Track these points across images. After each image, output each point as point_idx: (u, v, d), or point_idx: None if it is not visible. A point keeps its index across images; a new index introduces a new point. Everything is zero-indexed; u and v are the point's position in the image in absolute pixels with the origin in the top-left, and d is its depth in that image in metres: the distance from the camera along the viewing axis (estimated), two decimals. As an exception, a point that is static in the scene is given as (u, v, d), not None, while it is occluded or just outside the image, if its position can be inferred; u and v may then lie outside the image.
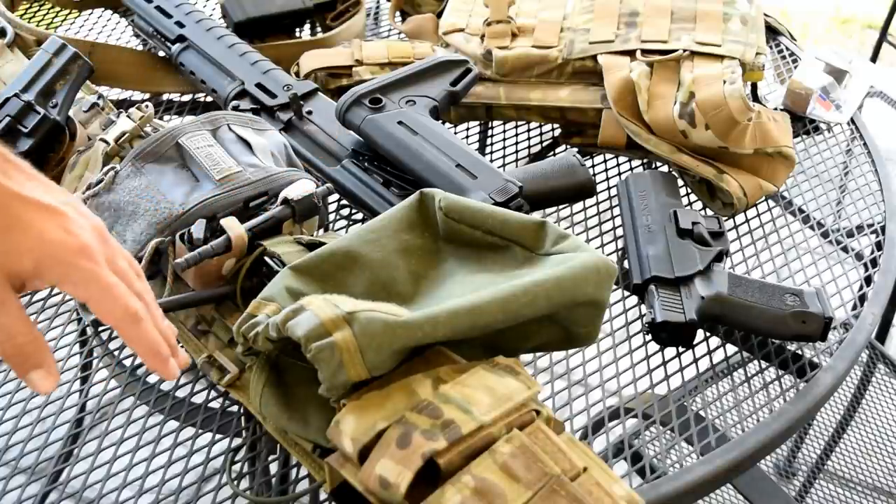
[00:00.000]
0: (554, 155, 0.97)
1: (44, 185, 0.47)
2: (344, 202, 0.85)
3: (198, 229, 0.61)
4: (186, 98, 1.01)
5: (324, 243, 0.60)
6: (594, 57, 0.91)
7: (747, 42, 0.91)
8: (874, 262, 0.84)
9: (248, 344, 0.55)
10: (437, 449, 0.44)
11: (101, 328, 0.70)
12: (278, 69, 0.89)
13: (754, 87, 1.06)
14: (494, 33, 0.95)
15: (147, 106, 0.73)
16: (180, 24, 0.93)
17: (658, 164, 0.93)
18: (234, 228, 0.61)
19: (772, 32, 1.14)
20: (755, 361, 0.73)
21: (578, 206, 0.87)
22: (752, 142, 0.84)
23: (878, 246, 0.86)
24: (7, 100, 0.73)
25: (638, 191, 0.82)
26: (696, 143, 0.85)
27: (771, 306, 0.71)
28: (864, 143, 1.00)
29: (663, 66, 0.88)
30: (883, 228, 0.88)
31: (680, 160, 0.86)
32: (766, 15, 1.08)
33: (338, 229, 0.84)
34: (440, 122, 0.82)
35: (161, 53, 0.96)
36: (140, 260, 0.63)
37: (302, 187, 0.65)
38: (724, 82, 0.84)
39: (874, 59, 2.09)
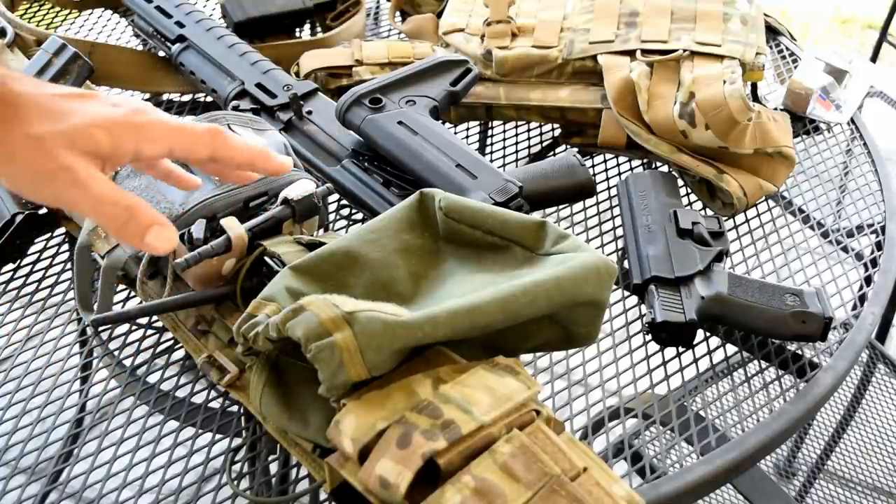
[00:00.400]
0: (554, 155, 0.97)
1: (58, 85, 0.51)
2: (344, 202, 0.85)
3: (198, 229, 0.61)
4: (186, 98, 1.01)
5: (324, 243, 0.60)
6: (594, 57, 0.91)
7: (747, 42, 0.91)
8: (874, 262, 0.84)
9: (248, 344, 0.55)
10: (437, 449, 0.44)
11: (101, 328, 0.70)
12: (278, 69, 0.89)
13: (754, 87, 1.06)
14: (494, 33, 0.95)
15: (147, 106, 0.73)
16: (180, 24, 0.93)
17: (658, 164, 0.93)
18: (234, 228, 0.61)
19: (772, 32, 1.14)
20: (755, 361, 0.73)
21: (578, 206, 0.87)
22: (752, 142, 0.84)
23: (878, 246, 0.86)
24: (7, 100, 0.73)
25: (638, 191, 0.82)
26: (696, 143, 0.85)
27: (771, 306, 0.71)
28: (864, 143, 1.00)
29: (663, 66, 0.88)
30: (883, 228, 0.88)
31: (680, 160, 0.86)
32: (766, 15, 1.08)
33: (338, 229, 0.84)
34: (440, 122, 0.82)
35: (161, 53, 0.96)
36: (140, 260, 0.63)
37: (302, 187, 0.65)
38: (724, 82, 0.84)
39: (874, 59, 2.09)
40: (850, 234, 0.88)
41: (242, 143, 0.54)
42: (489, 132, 1.03)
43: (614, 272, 0.56)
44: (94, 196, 0.48)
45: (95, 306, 0.67)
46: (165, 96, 1.01)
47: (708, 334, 0.74)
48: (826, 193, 0.93)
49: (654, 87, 0.87)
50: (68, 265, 0.77)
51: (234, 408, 0.64)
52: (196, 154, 0.52)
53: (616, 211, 0.88)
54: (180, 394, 0.67)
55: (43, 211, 0.77)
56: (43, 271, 0.77)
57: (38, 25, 1.12)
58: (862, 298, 0.80)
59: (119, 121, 0.48)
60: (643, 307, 0.75)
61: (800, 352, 0.73)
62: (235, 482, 0.57)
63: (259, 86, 0.87)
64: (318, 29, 1.13)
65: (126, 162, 0.50)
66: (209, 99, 0.98)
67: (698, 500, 0.67)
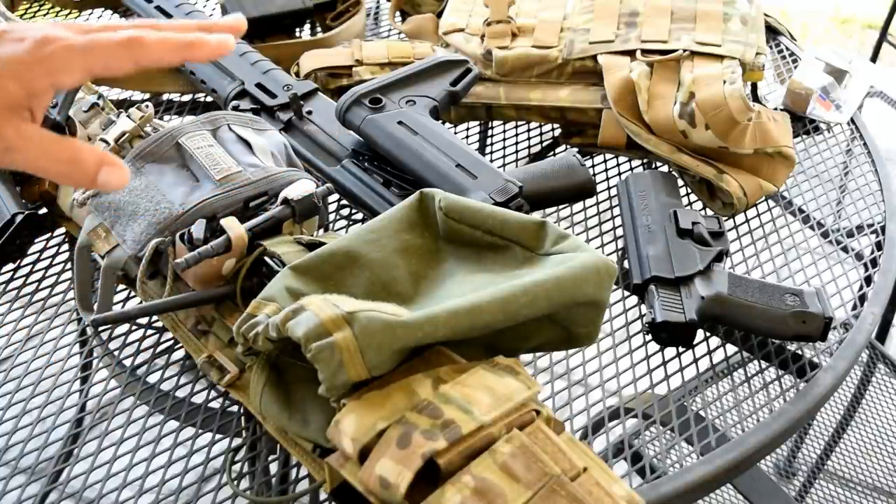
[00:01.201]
0: (554, 155, 0.97)
1: None
2: (344, 202, 0.85)
3: (198, 229, 0.61)
4: (186, 98, 1.01)
5: (324, 243, 0.60)
6: (594, 57, 0.91)
7: (747, 42, 0.91)
8: (874, 262, 0.84)
9: (248, 344, 0.55)
10: (437, 449, 0.44)
11: (101, 328, 0.70)
12: (278, 69, 0.89)
13: (754, 87, 1.06)
14: (494, 33, 0.95)
15: (147, 106, 0.73)
16: (180, 24, 0.93)
17: (658, 164, 0.93)
18: (234, 228, 0.61)
19: (772, 32, 1.14)
20: (755, 361, 0.73)
21: (578, 206, 0.87)
22: (752, 142, 0.84)
23: (878, 246, 0.86)
24: (7, 100, 0.73)
25: (638, 191, 0.82)
26: (696, 143, 0.85)
27: (771, 306, 0.71)
28: (864, 143, 1.00)
29: (663, 66, 0.88)
30: (883, 228, 0.88)
31: (680, 160, 0.86)
32: (766, 15, 1.08)
33: (338, 229, 0.84)
34: (440, 122, 0.82)
35: (161, 53, 0.96)
36: (140, 260, 0.63)
37: (302, 187, 0.65)
38: (724, 82, 0.84)
39: (874, 59, 2.09)
40: (850, 234, 0.88)
41: (167, 39, 0.49)
42: (489, 132, 1.03)
43: (614, 272, 0.56)
44: (32, 154, 0.46)
45: (95, 306, 0.67)
46: (165, 96, 1.01)
47: (708, 334, 0.74)
48: (826, 193, 0.93)
49: (654, 87, 0.87)
50: (68, 265, 0.77)
51: (234, 408, 0.64)
52: (118, 70, 0.48)
53: (616, 211, 0.88)
54: (180, 394, 0.67)
55: (43, 211, 0.77)
56: (43, 271, 0.77)
57: (38, 25, 1.11)
58: (862, 298, 0.80)
59: (25, 60, 0.46)
60: (643, 307, 0.75)
61: (800, 352, 0.73)
62: (235, 482, 0.57)
63: (259, 86, 0.87)
64: (318, 29, 1.13)
65: (50, 97, 0.48)
66: (209, 99, 0.98)
67: (698, 500, 0.67)
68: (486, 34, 0.95)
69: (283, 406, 0.56)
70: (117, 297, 0.72)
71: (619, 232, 0.85)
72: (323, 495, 0.55)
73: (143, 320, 0.69)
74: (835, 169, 0.97)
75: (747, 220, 0.88)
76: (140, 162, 0.67)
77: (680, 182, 0.88)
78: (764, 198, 0.88)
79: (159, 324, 0.69)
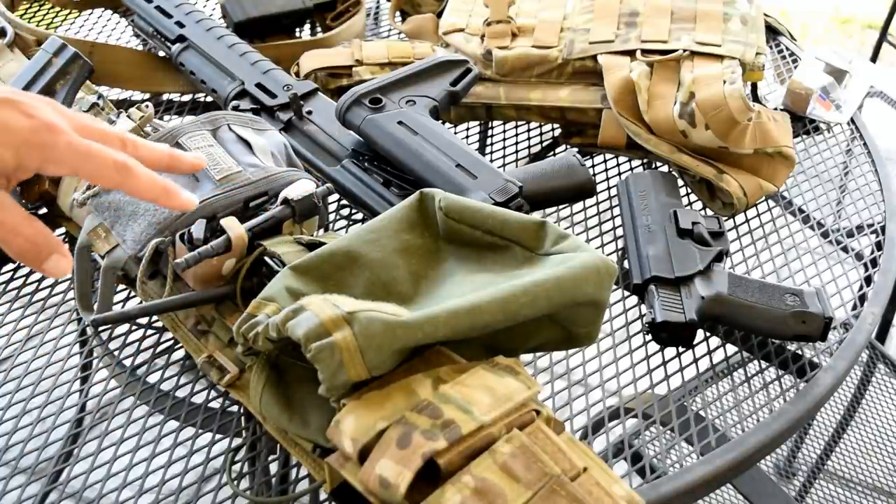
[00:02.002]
0: (554, 155, 0.97)
1: None
2: (344, 202, 0.85)
3: (198, 229, 0.61)
4: (186, 98, 1.01)
5: (324, 243, 0.60)
6: (594, 57, 0.91)
7: (747, 42, 0.91)
8: (874, 262, 0.84)
9: (248, 344, 0.55)
10: (437, 449, 0.44)
11: (101, 328, 0.70)
12: (278, 69, 0.89)
13: (754, 87, 1.06)
14: (494, 33, 0.95)
15: (147, 106, 0.73)
16: (180, 24, 0.93)
17: (658, 164, 0.93)
18: (234, 228, 0.61)
19: (772, 32, 1.14)
20: (755, 361, 0.73)
21: (578, 206, 0.87)
22: (752, 142, 0.84)
23: (878, 246, 0.86)
24: (7, 100, 0.73)
25: (638, 191, 0.82)
26: (696, 143, 0.85)
27: (771, 306, 0.71)
28: (864, 143, 1.00)
29: (663, 66, 0.88)
30: (883, 228, 0.88)
31: (680, 160, 0.86)
32: (766, 15, 1.08)
33: (338, 229, 0.84)
34: (440, 122, 0.82)
35: (161, 53, 0.96)
36: (140, 260, 0.63)
37: (302, 187, 0.65)
38: (724, 82, 0.84)
39: (874, 59, 2.09)
40: (850, 234, 0.88)
41: (151, 181, 0.52)
42: (489, 132, 1.03)
43: (614, 272, 0.56)
44: (4, 224, 0.48)
45: (95, 306, 0.67)
46: (165, 96, 1.01)
47: (708, 334, 0.74)
48: (826, 193, 0.93)
49: (654, 87, 0.87)
50: (68, 265, 0.77)
51: (234, 408, 0.64)
52: (100, 182, 0.51)
53: (616, 211, 0.88)
54: (180, 394, 0.67)
55: (43, 211, 0.77)
56: (43, 271, 0.77)
57: (38, 25, 1.12)
58: (862, 298, 0.80)
59: (27, 139, 0.48)
60: (643, 307, 0.75)
61: (800, 352, 0.73)
62: (235, 482, 0.57)
63: (259, 86, 0.87)
64: (318, 29, 1.13)
65: (27, 177, 0.50)
66: (209, 99, 0.98)
67: (698, 500, 0.67)
68: (486, 34, 0.95)
69: (283, 406, 0.56)
70: (117, 297, 0.72)
71: (619, 232, 0.85)
72: (323, 495, 0.55)
73: (143, 320, 0.69)
74: (835, 169, 0.97)
75: (747, 220, 0.88)
76: (140, 162, 0.67)
77: (680, 182, 0.88)
78: (764, 198, 0.88)
79: (159, 324, 0.69)
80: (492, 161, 0.92)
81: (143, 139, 0.56)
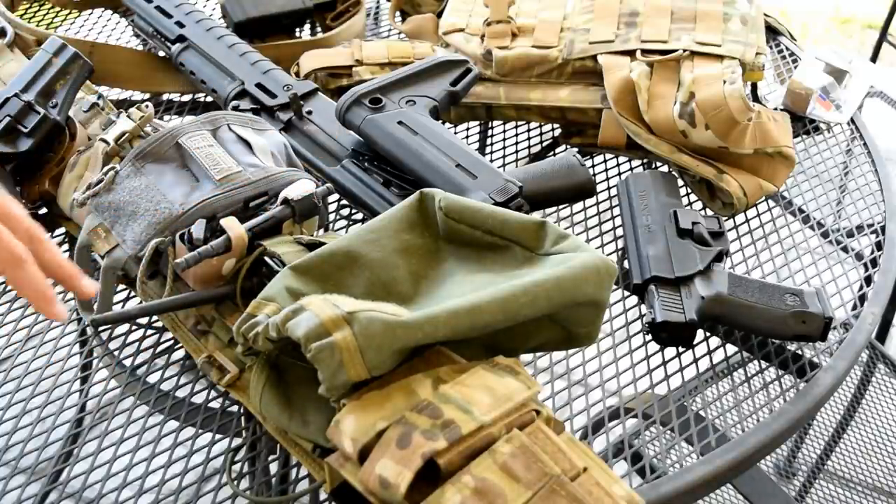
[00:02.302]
0: (554, 155, 0.97)
1: None
2: (344, 202, 0.85)
3: (198, 229, 0.61)
4: (186, 98, 1.01)
5: (324, 243, 0.60)
6: (594, 57, 0.91)
7: (747, 42, 0.91)
8: (874, 262, 0.84)
9: (248, 344, 0.55)
10: (437, 449, 0.44)
11: (101, 328, 0.70)
12: (278, 69, 0.89)
13: (754, 87, 1.06)
14: (494, 33, 0.95)
15: (147, 106, 0.73)
16: (180, 24, 0.93)
17: (658, 164, 0.93)
18: (234, 228, 0.61)
19: (772, 32, 1.14)
20: (755, 361, 0.73)
21: (578, 206, 0.87)
22: (752, 142, 0.84)
23: (878, 246, 0.86)
24: (7, 100, 0.73)
25: (638, 191, 0.82)
26: (696, 143, 0.85)
27: (771, 306, 0.71)
28: (864, 143, 1.00)
29: (663, 66, 0.88)
30: (883, 228, 0.88)
31: (680, 160, 0.86)
32: (766, 15, 1.08)
33: (338, 229, 0.84)
34: (440, 122, 0.82)
35: (161, 53, 0.96)
36: (140, 260, 0.63)
37: (302, 187, 0.65)
38: (724, 82, 0.84)
39: (874, 59, 2.09)
40: (850, 234, 0.88)
41: (35, 282, 0.53)
42: (489, 132, 1.03)
43: (614, 272, 0.56)
44: None
45: (95, 306, 0.67)
46: (165, 96, 1.01)
47: (708, 334, 0.74)
48: (826, 193, 0.93)
49: (654, 87, 0.87)
50: (68, 265, 0.77)
51: (234, 408, 0.64)
52: None
53: (616, 211, 0.88)
54: (180, 394, 0.67)
55: (43, 211, 0.77)
56: (43, 271, 0.77)
57: (38, 25, 1.12)
58: (862, 298, 0.80)
59: None
60: (643, 307, 0.75)
61: (800, 352, 0.73)
62: (235, 482, 0.57)
63: (259, 86, 0.87)
64: (318, 29, 1.13)
65: None
66: (209, 99, 0.98)
67: (698, 500, 0.67)
68: (486, 34, 0.95)
69: (283, 406, 0.56)
70: (117, 297, 0.72)
71: (619, 232, 0.85)
72: (323, 495, 0.55)
73: (143, 320, 0.69)
74: (835, 169, 0.97)
75: (747, 220, 0.88)
76: (140, 162, 0.67)
77: (680, 182, 0.88)
78: (764, 198, 0.88)
79: (159, 324, 0.69)
80: (492, 161, 0.92)
81: (54, 245, 0.56)
